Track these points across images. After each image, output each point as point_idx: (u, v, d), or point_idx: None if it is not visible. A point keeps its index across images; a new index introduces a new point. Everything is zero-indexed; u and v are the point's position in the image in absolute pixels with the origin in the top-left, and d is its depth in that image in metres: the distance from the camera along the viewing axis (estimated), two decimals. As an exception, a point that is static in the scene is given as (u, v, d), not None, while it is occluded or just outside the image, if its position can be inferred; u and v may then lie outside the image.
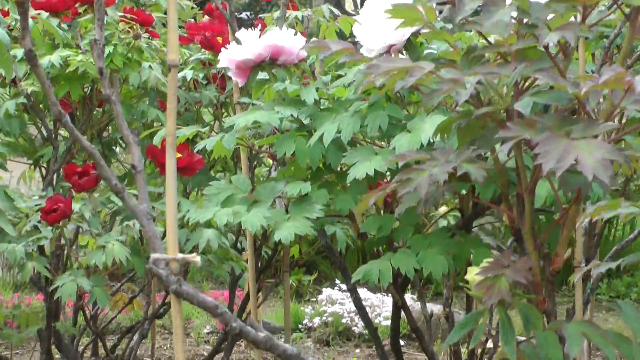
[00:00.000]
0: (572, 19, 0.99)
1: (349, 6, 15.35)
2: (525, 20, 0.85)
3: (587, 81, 0.77)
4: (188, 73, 2.33)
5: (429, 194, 0.86)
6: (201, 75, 2.41)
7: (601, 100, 0.82)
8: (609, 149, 0.73)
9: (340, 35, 2.43)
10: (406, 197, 0.89)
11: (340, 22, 2.36)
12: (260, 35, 1.70)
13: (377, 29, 1.58)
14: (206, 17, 2.71)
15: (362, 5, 9.79)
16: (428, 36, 1.31)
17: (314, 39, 1.97)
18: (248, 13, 16.52)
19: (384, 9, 1.43)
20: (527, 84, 0.92)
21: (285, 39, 1.69)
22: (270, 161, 2.26)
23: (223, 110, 2.53)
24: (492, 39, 0.94)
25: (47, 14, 2.22)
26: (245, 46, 1.68)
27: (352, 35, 2.33)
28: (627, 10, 0.93)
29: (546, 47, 0.87)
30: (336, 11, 2.36)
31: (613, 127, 0.78)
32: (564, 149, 0.74)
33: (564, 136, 0.77)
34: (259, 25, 2.42)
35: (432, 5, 0.93)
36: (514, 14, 0.84)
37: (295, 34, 1.71)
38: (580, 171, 0.72)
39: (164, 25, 2.71)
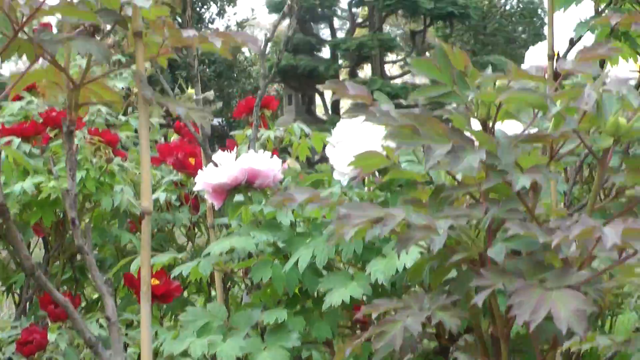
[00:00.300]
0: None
1: (320, 111, 15.60)
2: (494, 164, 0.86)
3: (557, 232, 0.78)
4: (161, 195, 2.34)
5: (404, 344, 0.86)
6: (174, 197, 2.41)
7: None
8: (582, 299, 0.74)
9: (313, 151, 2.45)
10: (382, 349, 0.88)
11: (312, 139, 2.38)
12: (235, 157, 1.71)
13: (348, 153, 1.59)
14: (176, 135, 2.73)
15: (332, 110, 10.00)
16: (394, 175, 1.33)
17: (288, 160, 1.99)
18: (219, 120, 16.74)
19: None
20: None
21: (261, 162, 1.70)
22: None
23: (196, 231, 2.53)
24: (460, 175, 0.95)
25: (19, 140, 2.23)
26: (222, 170, 1.69)
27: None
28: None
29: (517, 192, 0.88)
30: (306, 129, 2.39)
31: (586, 276, 0.78)
32: (538, 301, 0.74)
33: (538, 285, 0.78)
34: (231, 144, 2.45)
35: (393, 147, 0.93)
36: (483, 155, 0.85)
37: (272, 157, 1.72)
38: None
39: (135, 144, 2.73)
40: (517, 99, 0.89)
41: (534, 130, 0.95)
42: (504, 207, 0.87)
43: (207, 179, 1.69)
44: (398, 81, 13.21)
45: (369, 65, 13.15)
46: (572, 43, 1.51)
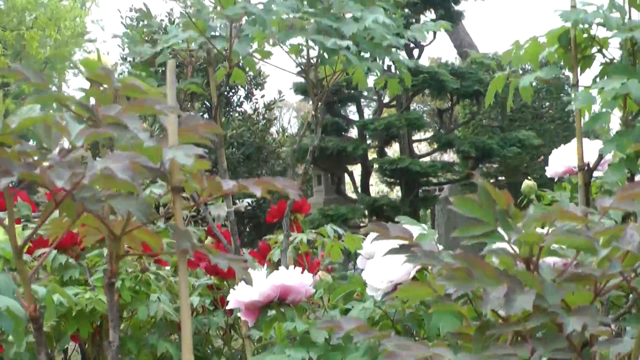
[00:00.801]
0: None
1: (349, 188, 15.61)
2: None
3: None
4: (195, 299, 2.34)
5: None
6: (208, 301, 2.41)
7: None
8: None
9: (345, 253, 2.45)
10: None
11: (345, 240, 2.38)
12: (265, 266, 1.72)
13: (381, 267, 1.59)
14: (209, 238, 2.75)
15: (362, 189, 9.87)
16: (438, 309, 1.33)
17: (319, 273, 1.98)
18: (249, 201, 16.82)
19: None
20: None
21: (293, 278, 1.69)
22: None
23: (232, 333, 2.52)
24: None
25: (55, 251, 2.25)
26: (254, 287, 1.69)
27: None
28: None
29: (560, 324, 0.87)
30: (340, 230, 2.39)
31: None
32: None
33: None
34: (264, 248, 2.46)
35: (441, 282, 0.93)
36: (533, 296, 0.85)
37: (303, 272, 1.71)
38: None
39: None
40: (563, 242, 0.89)
41: (575, 263, 0.95)
42: (550, 346, 0.86)
43: (239, 297, 1.69)
44: (427, 159, 13.23)
45: (397, 143, 13.19)
46: (601, 156, 1.51)
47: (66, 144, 0.85)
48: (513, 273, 0.88)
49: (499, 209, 0.94)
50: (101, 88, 0.90)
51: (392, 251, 0.98)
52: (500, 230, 0.93)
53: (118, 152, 0.76)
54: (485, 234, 0.94)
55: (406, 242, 0.98)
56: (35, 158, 0.80)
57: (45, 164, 0.79)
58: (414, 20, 12.09)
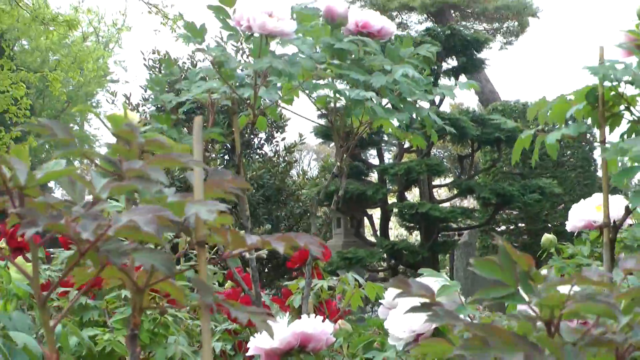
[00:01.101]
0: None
1: (368, 232, 15.58)
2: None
3: None
4: (217, 345, 2.34)
5: None
6: (229, 346, 2.41)
7: None
8: None
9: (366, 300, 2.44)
10: None
11: (365, 289, 2.37)
12: (287, 313, 1.71)
13: (403, 317, 1.59)
14: (229, 282, 2.76)
15: (381, 233, 9.77)
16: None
17: (339, 321, 1.97)
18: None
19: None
20: None
21: (314, 327, 1.69)
22: None
23: (251, 379, 2.51)
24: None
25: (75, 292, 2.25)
26: (274, 334, 1.68)
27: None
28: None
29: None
30: (361, 280, 2.38)
31: None
32: None
33: None
34: (285, 294, 2.46)
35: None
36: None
37: (324, 320, 1.71)
38: None
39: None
40: (583, 309, 0.89)
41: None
42: None
43: (259, 344, 1.68)
44: (447, 204, 13.20)
45: (417, 188, 13.19)
46: (628, 211, 1.50)
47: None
48: (532, 338, 0.87)
49: (520, 270, 0.94)
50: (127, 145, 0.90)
51: (414, 309, 0.97)
52: (521, 292, 0.93)
53: (143, 205, 0.77)
54: (506, 296, 0.94)
55: (427, 300, 0.97)
56: (60, 210, 0.81)
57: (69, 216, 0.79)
58: (435, 68, 12.14)
